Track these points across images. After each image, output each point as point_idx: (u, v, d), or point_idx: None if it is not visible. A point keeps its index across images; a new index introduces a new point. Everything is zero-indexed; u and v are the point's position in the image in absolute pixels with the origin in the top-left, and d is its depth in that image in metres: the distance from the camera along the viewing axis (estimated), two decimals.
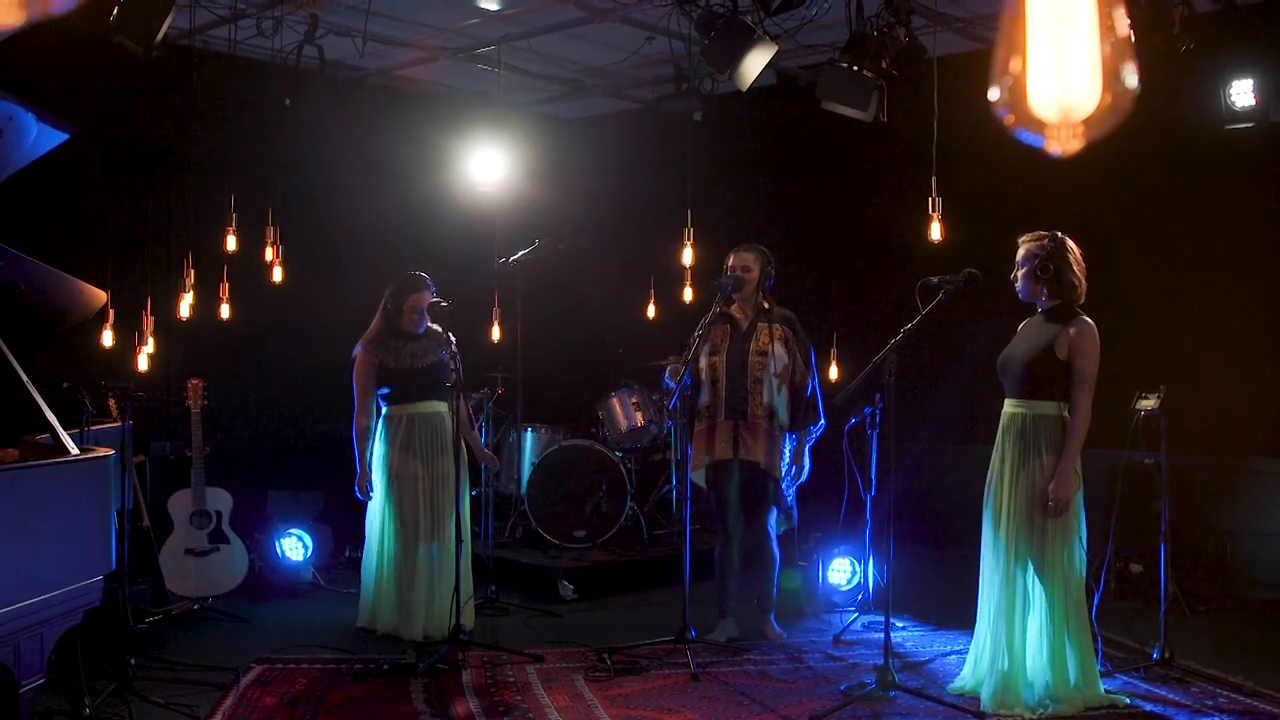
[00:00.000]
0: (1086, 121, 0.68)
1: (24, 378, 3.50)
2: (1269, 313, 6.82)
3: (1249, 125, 6.24)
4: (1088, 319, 4.67)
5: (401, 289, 5.93)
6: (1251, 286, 6.90)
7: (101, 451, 3.56)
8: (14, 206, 6.11)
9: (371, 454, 5.90)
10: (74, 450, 3.40)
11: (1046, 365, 4.65)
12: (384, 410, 5.95)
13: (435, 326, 5.98)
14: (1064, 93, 0.67)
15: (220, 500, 6.49)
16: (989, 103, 0.73)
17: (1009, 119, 0.69)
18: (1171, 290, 7.20)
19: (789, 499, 5.79)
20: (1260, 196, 6.91)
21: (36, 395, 3.49)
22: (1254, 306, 6.89)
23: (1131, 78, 0.67)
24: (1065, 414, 4.65)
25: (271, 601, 6.69)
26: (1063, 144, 0.69)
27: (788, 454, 5.69)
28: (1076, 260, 4.72)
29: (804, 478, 5.80)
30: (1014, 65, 0.68)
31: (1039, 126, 0.68)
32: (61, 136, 3.82)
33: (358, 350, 5.94)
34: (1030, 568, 4.65)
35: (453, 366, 5.65)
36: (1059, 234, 4.75)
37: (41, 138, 3.72)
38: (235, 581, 6.48)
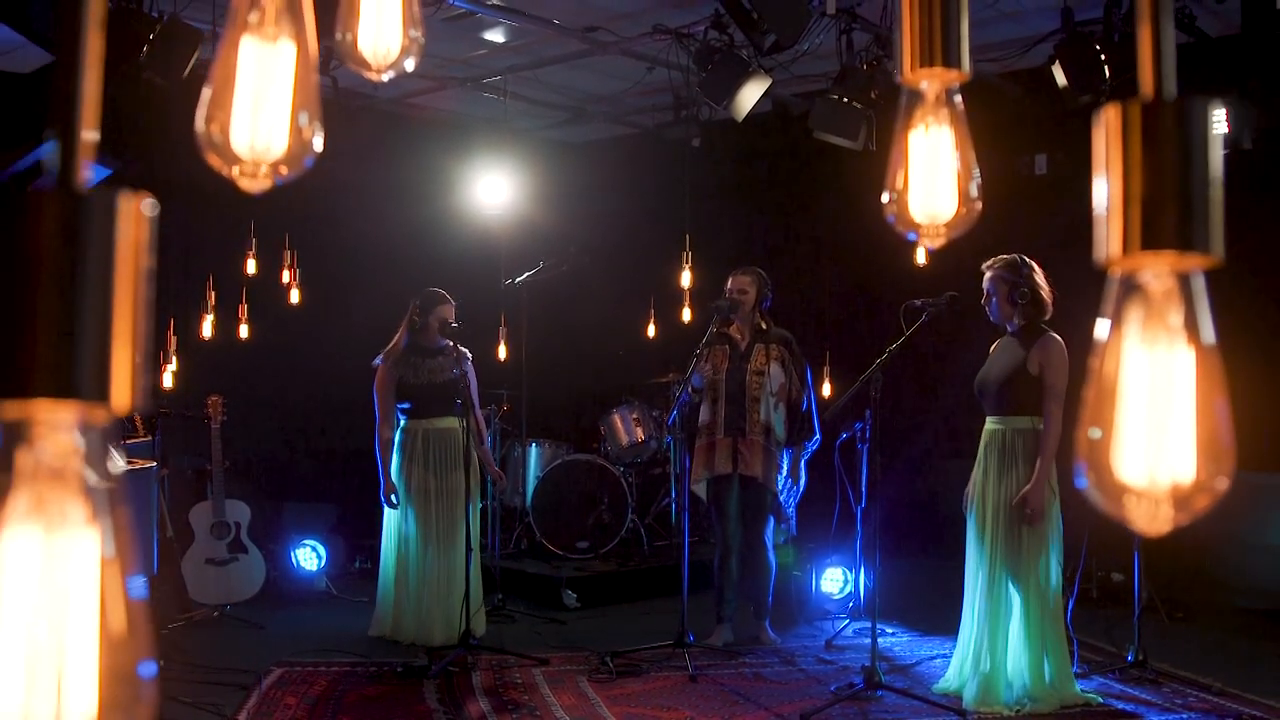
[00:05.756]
0: (947, 225, 0.99)
1: None
2: (1246, 329, 7.08)
3: (1223, 152, 6.52)
4: (1055, 335, 4.93)
5: (430, 301, 6.15)
6: (1227, 304, 7.07)
7: (143, 464, 3.85)
8: None
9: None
10: (121, 462, 3.68)
11: (1020, 382, 4.91)
12: (402, 423, 6.17)
13: (461, 346, 6.20)
14: (930, 203, 0.98)
15: (239, 512, 6.74)
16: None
17: (895, 223, 0.99)
18: None
19: (788, 510, 6.02)
20: (1234, 220, 7.14)
21: None
22: (1231, 322, 7.10)
23: (975, 190, 0.98)
24: (1039, 426, 4.90)
25: (287, 609, 6.90)
26: (931, 241, 0.99)
27: (784, 468, 5.94)
28: (1044, 281, 4.98)
29: (801, 490, 6.03)
30: (898, 182, 0.99)
31: (915, 227, 0.99)
32: (104, 173, 4.12)
33: (378, 363, 6.15)
34: (1009, 575, 4.91)
35: (463, 385, 5.92)
36: (1022, 258, 4.98)
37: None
38: (253, 590, 6.73)
